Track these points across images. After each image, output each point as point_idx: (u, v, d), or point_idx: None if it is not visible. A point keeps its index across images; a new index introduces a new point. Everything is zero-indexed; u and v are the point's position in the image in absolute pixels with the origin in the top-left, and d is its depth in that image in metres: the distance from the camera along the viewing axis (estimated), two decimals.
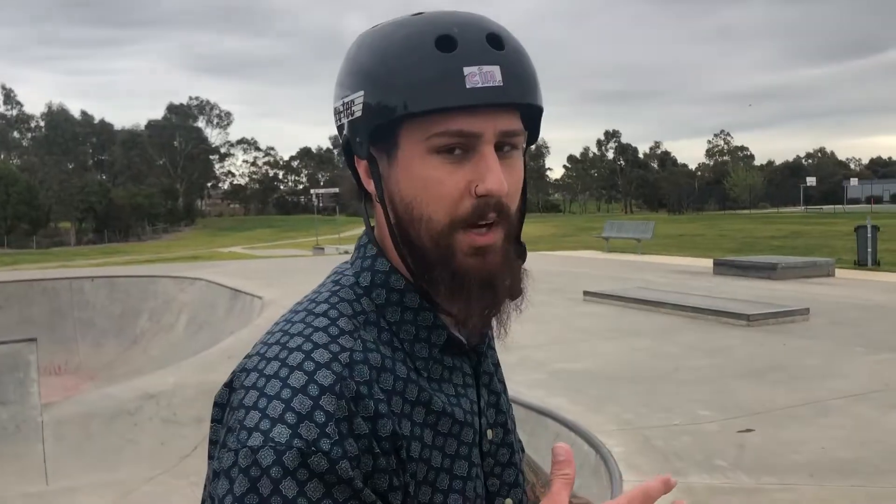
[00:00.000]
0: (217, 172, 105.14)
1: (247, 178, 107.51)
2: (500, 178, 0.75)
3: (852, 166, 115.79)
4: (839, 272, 13.96)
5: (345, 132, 0.81)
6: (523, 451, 0.96)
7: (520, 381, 6.02)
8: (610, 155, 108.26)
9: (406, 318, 0.80)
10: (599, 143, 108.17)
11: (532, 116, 0.81)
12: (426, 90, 0.74)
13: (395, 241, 0.80)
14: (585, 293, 11.01)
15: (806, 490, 3.92)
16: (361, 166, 0.82)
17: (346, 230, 41.80)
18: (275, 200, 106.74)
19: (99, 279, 14.36)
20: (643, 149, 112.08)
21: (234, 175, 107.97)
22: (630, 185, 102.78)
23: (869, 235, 16.43)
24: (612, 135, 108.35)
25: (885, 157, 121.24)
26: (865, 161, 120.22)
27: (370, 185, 0.81)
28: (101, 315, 13.38)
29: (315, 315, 0.78)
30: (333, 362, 0.72)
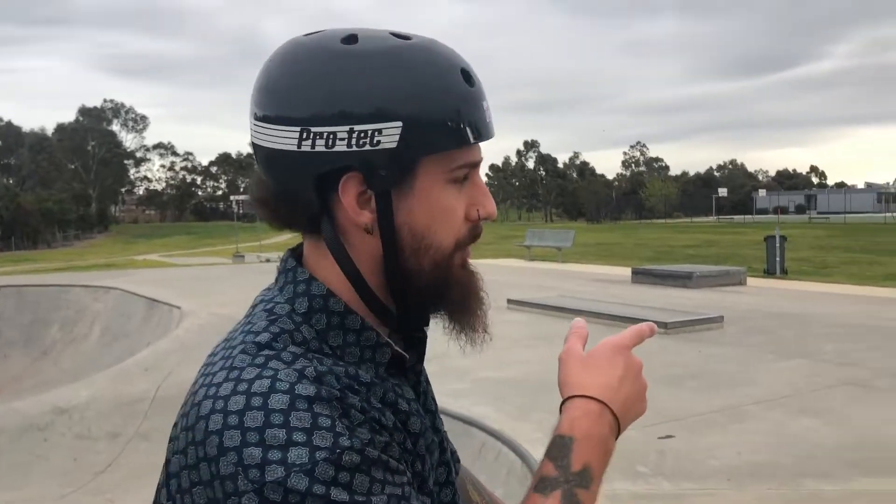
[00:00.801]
0: (132, 177, 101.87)
1: (164, 184, 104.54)
2: (493, 202, 0.82)
3: (760, 178, 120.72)
4: (750, 280, 14.54)
5: (342, 162, 0.75)
6: (459, 461, 0.97)
7: (444, 391, 6.03)
8: (530, 164, 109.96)
9: (349, 340, 0.79)
10: (519, 152, 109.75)
11: None
12: (468, 125, 0.77)
13: (389, 269, 0.79)
14: (509, 301, 11.13)
15: (724, 495, 4.05)
16: (352, 196, 0.77)
17: (267, 237, 41.16)
18: (193, 207, 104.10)
19: (6, 288, 13.71)
20: (562, 159, 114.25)
21: (150, 180, 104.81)
22: (550, 194, 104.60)
23: (777, 245, 17.16)
24: (531, 144, 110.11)
25: (790, 169, 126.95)
26: (773, 173, 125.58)
27: (361, 216, 0.77)
28: (8, 325, 12.77)
29: (259, 345, 0.74)
30: (303, 378, 0.71)
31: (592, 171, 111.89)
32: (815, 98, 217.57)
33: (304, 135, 0.75)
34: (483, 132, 0.79)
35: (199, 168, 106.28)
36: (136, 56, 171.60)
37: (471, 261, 0.85)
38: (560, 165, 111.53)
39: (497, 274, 16.84)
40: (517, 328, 9.33)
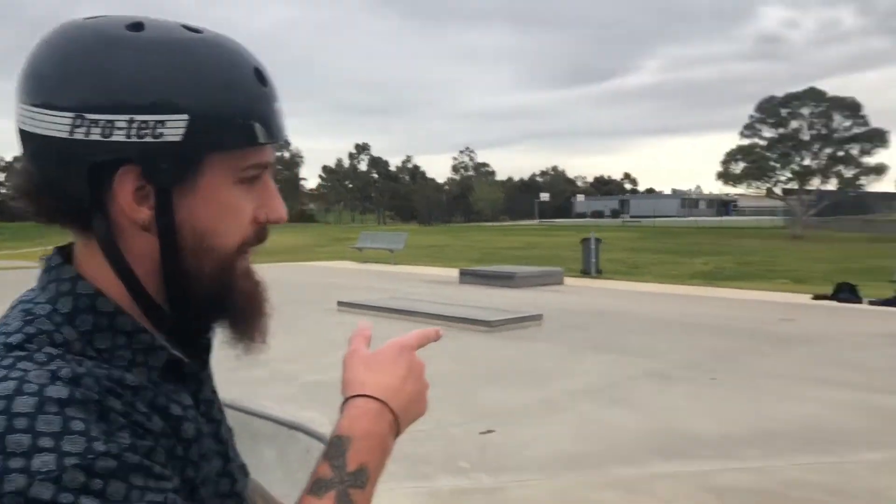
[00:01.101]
0: None
1: None
2: (283, 205, 0.80)
3: (579, 184, 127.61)
4: (568, 280, 15.36)
5: (119, 154, 0.71)
6: (247, 475, 0.94)
7: (270, 396, 5.91)
8: (363, 167, 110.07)
9: (119, 342, 0.74)
10: (351, 155, 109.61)
11: None
12: (258, 125, 0.75)
13: (167, 269, 0.75)
14: (339, 303, 11.08)
15: (539, 485, 4.25)
16: (129, 191, 0.72)
17: None
18: None
19: None
20: (395, 162, 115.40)
21: None
22: (383, 196, 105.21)
23: (592, 247, 18.25)
24: (362, 147, 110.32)
25: (606, 175, 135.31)
26: (591, 179, 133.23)
27: (139, 213, 0.73)
28: None
29: (9, 346, 0.69)
30: (56, 380, 0.66)
31: (424, 174, 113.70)
32: (629, 109, 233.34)
33: (78, 122, 0.70)
34: (275, 133, 0.76)
35: (2, 164, 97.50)
36: None
37: (255, 267, 0.82)
38: (392, 169, 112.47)
39: (329, 276, 16.71)
40: (346, 331, 9.20)
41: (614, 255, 24.17)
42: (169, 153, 0.71)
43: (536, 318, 9.73)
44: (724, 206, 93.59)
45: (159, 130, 0.70)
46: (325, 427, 5.13)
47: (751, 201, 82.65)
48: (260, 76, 0.76)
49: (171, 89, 0.71)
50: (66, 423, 0.63)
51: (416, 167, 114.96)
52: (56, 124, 0.71)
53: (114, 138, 0.70)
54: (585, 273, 17.95)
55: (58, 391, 0.65)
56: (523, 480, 4.29)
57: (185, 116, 0.71)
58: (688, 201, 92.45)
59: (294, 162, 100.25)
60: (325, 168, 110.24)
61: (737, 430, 5.19)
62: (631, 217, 78.76)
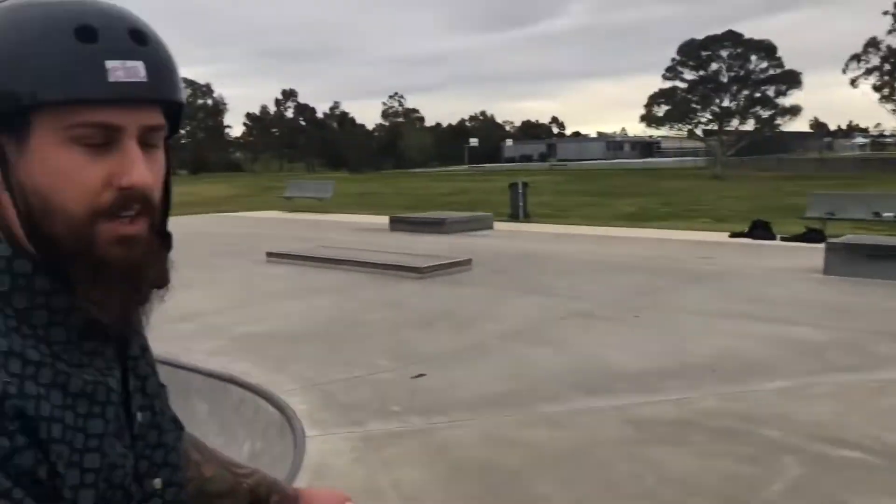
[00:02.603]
0: None
1: None
2: (143, 171, 0.77)
3: (508, 129, 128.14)
4: (497, 225, 15.55)
5: None
6: (182, 429, 0.99)
7: (200, 350, 5.89)
8: (290, 114, 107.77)
9: (37, 302, 0.77)
10: (277, 102, 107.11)
11: (172, 111, 0.83)
12: (64, 80, 0.73)
13: (27, 230, 0.77)
14: (268, 254, 10.98)
15: (469, 424, 4.40)
16: None
17: None
18: None
19: None
20: (322, 109, 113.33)
21: None
22: (311, 144, 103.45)
23: (520, 191, 18.47)
24: (289, 94, 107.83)
25: (533, 120, 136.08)
26: (519, 123, 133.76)
27: None
28: None
29: None
30: None
31: (353, 121, 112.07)
32: (556, 53, 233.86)
33: None
34: (92, 91, 0.74)
35: None
36: None
37: (141, 237, 0.79)
38: (320, 115, 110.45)
39: (257, 227, 16.49)
40: (276, 282, 9.27)
41: (542, 198, 24.51)
42: None
43: (466, 263, 9.87)
44: (647, 148, 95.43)
45: None
46: (256, 378, 5.17)
47: (673, 143, 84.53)
48: (86, 33, 0.75)
49: None
50: None
51: (344, 114, 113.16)
52: None
53: None
54: (514, 217, 18.19)
55: None
56: (453, 421, 4.43)
57: None
58: (613, 144, 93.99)
59: (218, 109, 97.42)
60: (250, 116, 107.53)
61: (657, 364, 5.44)
62: (558, 161, 79.65)
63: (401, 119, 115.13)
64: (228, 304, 7.79)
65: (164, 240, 0.85)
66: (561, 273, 9.49)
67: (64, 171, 0.75)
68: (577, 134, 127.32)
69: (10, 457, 0.68)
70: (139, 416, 0.87)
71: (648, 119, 56.72)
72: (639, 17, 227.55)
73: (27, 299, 0.77)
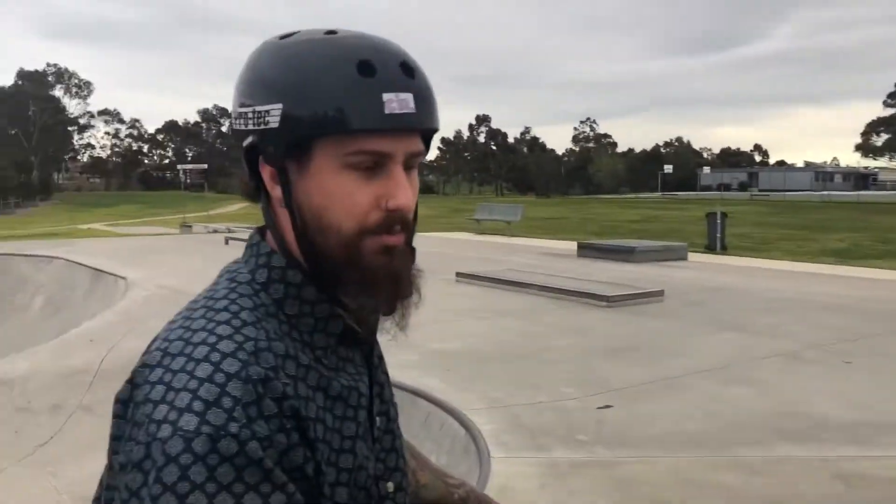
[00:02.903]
0: (76, 145, 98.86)
1: (109, 151, 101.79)
2: (408, 194, 0.84)
3: (705, 155, 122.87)
4: (691, 256, 14.92)
5: (251, 139, 0.85)
6: (402, 436, 1.04)
7: (393, 363, 6.09)
8: (482, 139, 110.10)
9: (304, 310, 0.85)
10: (471, 126, 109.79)
11: (428, 135, 0.89)
12: (349, 113, 0.80)
13: (301, 244, 0.85)
14: (458, 274, 11.24)
15: (659, 461, 4.23)
16: (267, 172, 0.86)
17: (215, 208, 40.35)
18: (139, 175, 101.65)
19: None
20: (513, 133, 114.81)
21: (94, 148, 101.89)
22: (501, 168, 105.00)
23: (718, 222, 17.60)
24: (482, 119, 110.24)
25: (734, 147, 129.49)
26: (717, 150, 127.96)
27: (276, 191, 0.85)
28: None
29: (216, 311, 0.81)
30: (239, 351, 0.76)
31: (543, 146, 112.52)
32: (760, 77, 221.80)
33: (234, 115, 0.87)
34: (371, 122, 0.80)
35: (146, 136, 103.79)
36: (77, 19, 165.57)
37: (404, 252, 0.86)
38: (511, 140, 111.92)
39: (447, 247, 16.95)
40: (465, 301, 9.46)
41: (741, 230, 23.23)
42: (273, 137, 0.83)
43: (658, 294, 9.55)
44: (862, 179, 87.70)
45: (267, 118, 0.83)
46: (444, 394, 5.28)
47: (893, 175, 77.14)
48: (366, 68, 0.81)
49: (275, 83, 0.83)
50: (220, 396, 0.73)
51: (534, 138, 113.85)
52: (231, 118, 0.89)
53: (248, 126, 0.85)
54: (710, 249, 17.37)
55: (230, 365, 0.75)
56: (641, 456, 4.28)
57: (280, 106, 0.82)
58: (822, 174, 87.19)
59: None
60: (444, 140, 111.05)
61: (871, 416, 4.97)
62: (760, 191, 75.19)
63: (591, 144, 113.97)
64: (420, 319, 8.00)
65: (413, 254, 0.91)
66: (761, 310, 8.93)
67: (339, 193, 0.83)
68: (781, 163, 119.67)
69: (286, 453, 0.75)
70: (378, 420, 0.92)
71: (865, 148, 52.31)
72: (856, 38, 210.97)
73: (297, 307, 0.85)
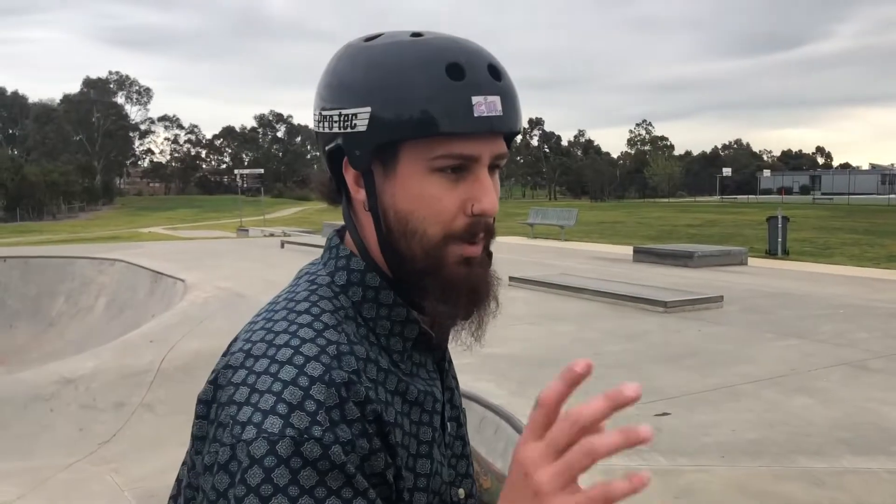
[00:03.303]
0: (137, 150, 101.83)
1: (168, 157, 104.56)
2: (494, 199, 0.83)
3: (765, 158, 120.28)
4: (751, 261, 14.57)
5: (337, 141, 0.84)
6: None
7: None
8: (535, 142, 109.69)
9: (381, 314, 0.85)
10: (524, 130, 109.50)
11: (510, 137, 0.89)
12: (440, 116, 0.79)
13: (384, 248, 0.85)
14: (511, 279, 11.19)
15: (718, 470, 4.13)
16: (351, 175, 0.85)
17: (271, 211, 41.05)
18: (197, 180, 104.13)
19: (12, 259, 13.79)
20: (567, 136, 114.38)
21: (154, 153, 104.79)
22: (554, 172, 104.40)
23: (779, 226, 17.16)
24: (535, 122, 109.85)
25: (795, 149, 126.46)
26: (777, 153, 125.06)
27: (360, 194, 0.85)
28: (14, 296, 12.86)
29: (297, 312, 0.81)
30: (322, 354, 0.76)
31: (597, 149, 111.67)
32: (822, 78, 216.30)
33: (318, 117, 0.86)
34: (461, 125, 0.79)
35: (204, 141, 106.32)
36: (138, 28, 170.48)
37: (484, 261, 0.86)
38: (564, 143, 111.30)
39: (500, 251, 16.74)
40: (519, 306, 9.40)
41: (803, 234, 22.64)
42: (360, 141, 0.82)
43: (717, 299, 9.35)
44: None
45: (354, 122, 0.81)
46: (498, 399, 5.25)
47: None
48: (455, 71, 0.80)
49: (362, 86, 0.81)
50: (304, 400, 0.72)
51: (588, 141, 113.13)
52: (314, 121, 0.88)
53: (333, 130, 0.84)
54: (771, 254, 16.95)
55: (314, 369, 0.75)
56: (700, 465, 4.19)
57: (368, 109, 0.81)
58: (889, 177, 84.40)
59: None
60: None
61: None
62: (823, 194, 73.16)
63: (647, 147, 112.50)
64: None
65: (490, 259, 0.91)
66: (824, 317, 8.67)
67: (425, 197, 0.82)
68: (845, 165, 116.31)
69: (368, 457, 0.74)
70: (449, 426, 0.91)
71: None
72: None
73: (374, 310, 0.85)
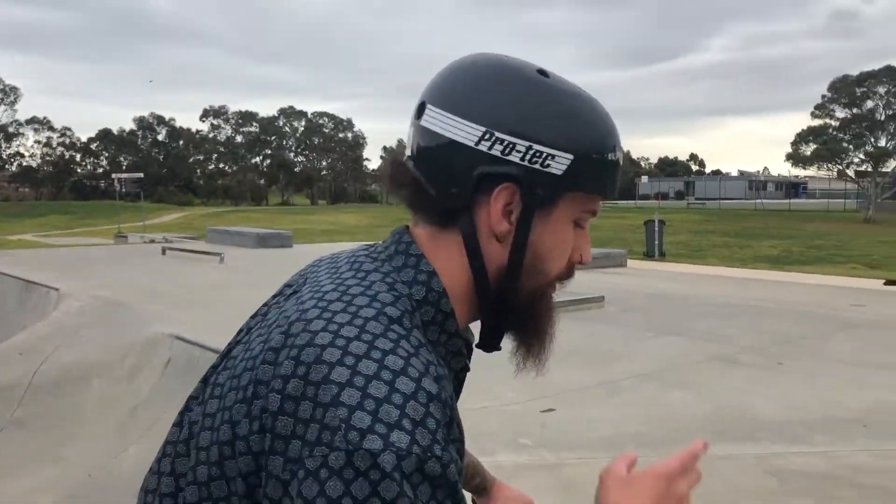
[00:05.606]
0: (3, 154, 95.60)
1: (39, 160, 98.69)
2: (590, 250, 0.94)
3: (643, 165, 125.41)
4: (630, 262, 15.22)
5: (508, 170, 0.84)
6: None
7: None
8: None
9: (441, 340, 0.87)
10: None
11: None
12: (610, 179, 0.90)
13: (506, 280, 0.88)
14: None
15: (600, 463, 4.29)
16: (501, 204, 0.85)
17: (151, 217, 39.43)
18: (71, 185, 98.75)
19: None
20: None
21: (23, 156, 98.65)
22: None
23: (656, 229, 18.01)
24: None
25: (671, 156, 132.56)
26: (654, 160, 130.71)
27: (500, 225, 0.86)
28: None
29: (390, 318, 0.80)
30: (430, 369, 0.77)
31: None
32: (694, 89, 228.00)
33: (487, 136, 0.83)
34: (613, 191, 0.91)
35: (79, 144, 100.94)
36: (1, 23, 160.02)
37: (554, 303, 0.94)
38: None
39: None
40: None
41: (679, 237, 23.81)
42: (546, 182, 0.84)
43: (598, 299, 9.70)
44: (793, 188, 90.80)
45: (548, 162, 0.83)
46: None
47: (821, 184, 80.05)
48: (618, 147, 0.90)
49: (566, 130, 0.84)
50: (426, 417, 0.73)
51: None
52: (465, 132, 0.84)
53: (510, 157, 0.83)
54: (649, 255, 17.76)
55: (430, 385, 0.75)
56: (585, 458, 4.34)
57: (570, 156, 0.84)
58: (755, 183, 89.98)
59: (358, 143, 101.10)
60: (385, 149, 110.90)
61: (802, 414, 5.14)
62: (696, 199, 77.10)
63: None
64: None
65: None
66: (698, 315, 9.16)
67: (564, 242, 0.89)
68: (717, 172, 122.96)
69: (460, 472, 0.76)
70: None
71: (795, 158, 54.06)
72: (786, 52, 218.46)
73: (437, 334, 0.86)
